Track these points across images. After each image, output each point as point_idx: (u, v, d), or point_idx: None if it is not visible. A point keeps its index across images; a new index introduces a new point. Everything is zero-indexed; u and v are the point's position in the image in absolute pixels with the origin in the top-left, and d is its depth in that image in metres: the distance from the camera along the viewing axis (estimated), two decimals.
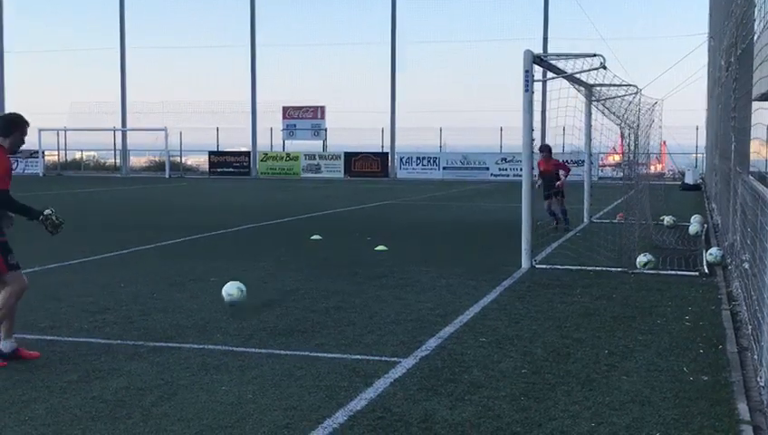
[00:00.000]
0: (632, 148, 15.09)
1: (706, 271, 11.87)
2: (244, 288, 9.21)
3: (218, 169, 48.10)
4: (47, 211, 7.21)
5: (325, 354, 7.23)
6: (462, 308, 9.22)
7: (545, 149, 17.56)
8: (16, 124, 7.19)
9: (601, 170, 37.23)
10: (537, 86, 12.54)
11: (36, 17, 62.69)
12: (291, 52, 53.64)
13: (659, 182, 29.67)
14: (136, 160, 54.81)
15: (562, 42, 44.99)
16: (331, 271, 11.84)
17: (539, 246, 13.23)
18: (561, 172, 17.49)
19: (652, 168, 30.70)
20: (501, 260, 12.77)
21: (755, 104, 8.35)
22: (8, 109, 52.48)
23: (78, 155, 54.53)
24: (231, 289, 9.19)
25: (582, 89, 16.71)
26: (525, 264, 12.18)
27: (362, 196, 29.88)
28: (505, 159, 43.76)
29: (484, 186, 37.65)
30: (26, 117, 7.38)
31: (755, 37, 8.42)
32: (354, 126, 48.08)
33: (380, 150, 47.41)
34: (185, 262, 12.75)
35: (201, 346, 7.50)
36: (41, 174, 46.79)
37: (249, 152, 49.12)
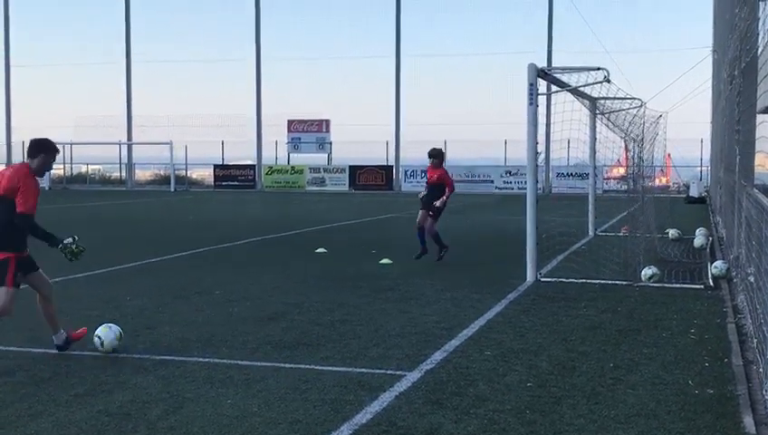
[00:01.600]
0: (636, 161, 15.09)
1: (711, 284, 11.86)
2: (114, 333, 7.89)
3: (223, 183, 48.17)
4: (68, 240, 7.63)
5: (330, 368, 7.23)
6: (467, 321, 9.22)
7: (436, 154, 14.25)
8: (44, 148, 7.55)
9: (606, 183, 37.23)
10: (541, 99, 12.60)
11: (42, 31, 62.89)
12: (296, 65, 53.74)
13: (664, 195, 29.65)
14: (141, 174, 54.91)
15: (567, 55, 45.05)
16: (336, 284, 11.85)
17: (544, 260, 13.22)
18: (446, 190, 14.22)
19: (657, 181, 30.71)
20: (506, 273, 12.77)
21: (760, 117, 8.38)
22: (15, 122, 52.83)
23: (83, 168, 54.67)
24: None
25: (587, 102, 16.72)
26: (530, 277, 12.17)
27: (367, 209, 29.90)
28: (510, 172, 43.78)
29: (489, 198, 37.66)
30: (50, 141, 7.67)
31: (759, 51, 8.45)
32: (359, 139, 48.16)
33: (385, 163, 47.45)
34: (190, 275, 12.77)
35: (206, 359, 7.51)
36: (47, 187, 46.88)
37: (254, 165, 49.21)
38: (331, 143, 48.35)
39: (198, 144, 50.65)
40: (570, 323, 9.18)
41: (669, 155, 39.32)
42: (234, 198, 38.16)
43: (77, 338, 7.90)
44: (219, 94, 60.69)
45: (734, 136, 13.37)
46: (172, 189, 47.15)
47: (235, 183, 48.01)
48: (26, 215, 7.32)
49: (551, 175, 43.07)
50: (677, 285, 11.79)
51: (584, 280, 12.03)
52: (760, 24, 8.62)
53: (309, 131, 48.66)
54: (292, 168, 47.91)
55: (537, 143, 12.55)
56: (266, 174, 47.92)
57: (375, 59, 52.00)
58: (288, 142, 49.03)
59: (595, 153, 18.76)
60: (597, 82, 13.09)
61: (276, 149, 50.03)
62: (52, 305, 7.84)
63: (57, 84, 63.88)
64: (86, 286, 11.58)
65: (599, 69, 12.68)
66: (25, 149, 7.66)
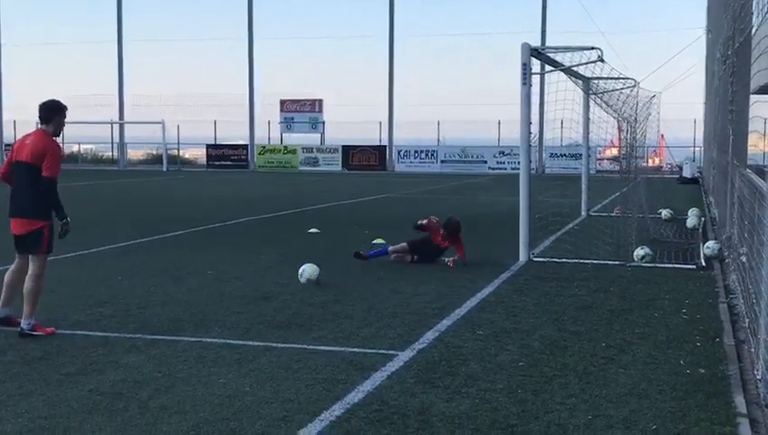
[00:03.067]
0: (630, 141, 15.08)
1: (704, 264, 11.88)
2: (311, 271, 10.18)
3: (216, 162, 48.01)
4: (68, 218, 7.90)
5: (322, 347, 7.23)
6: (460, 301, 9.22)
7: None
8: (56, 109, 7.86)
9: (599, 164, 37.23)
10: (535, 79, 12.55)
11: (33, 10, 62.57)
12: (289, 45, 53.71)
13: (657, 175, 29.68)
14: (133, 153, 54.69)
15: (561, 35, 45.11)
16: (329, 264, 11.83)
17: (537, 240, 13.23)
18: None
19: (650, 161, 30.72)
20: (499, 253, 12.77)
21: (753, 97, 8.35)
22: (5, 102, 52.53)
23: (75, 148, 54.42)
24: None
25: (580, 82, 16.69)
26: (523, 257, 12.18)
27: (360, 189, 29.86)
28: (503, 153, 43.73)
29: (483, 179, 37.65)
30: (58, 101, 7.97)
31: (753, 30, 8.41)
32: (352, 119, 48.15)
33: (378, 144, 47.36)
34: (182, 255, 12.74)
35: (198, 339, 7.50)
36: None
37: (247, 145, 49.04)
38: (323, 123, 48.21)
39: (191, 124, 50.50)
40: (562, 303, 9.19)
41: (663, 135, 39.32)
42: (226, 178, 38.07)
43: (39, 331, 7.65)
44: (212, 74, 60.64)
45: (727, 116, 13.36)
46: (164, 169, 47.00)
47: (228, 163, 47.86)
48: (52, 179, 7.61)
49: (544, 155, 43.05)
50: (670, 266, 11.81)
51: (577, 260, 12.04)
52: (754, 2, 8.58)
53: (302, 111, 48.50)
54: (285, 147, 47.77)
55: (530, 123, 12.51)
56: (259, 154, 47.78)
57: (368, 39, 52.01)
58: (281, 122, 48.87)
59: (588, 133, 18.73)
60: (590, 62, 13.05)
61: (269, 129, 49.91)
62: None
63: (48, 63, 63.72)
64: (78, 265, 11.54)
65: (592, 48, 12.64)
66: (36, 116, 7.91)
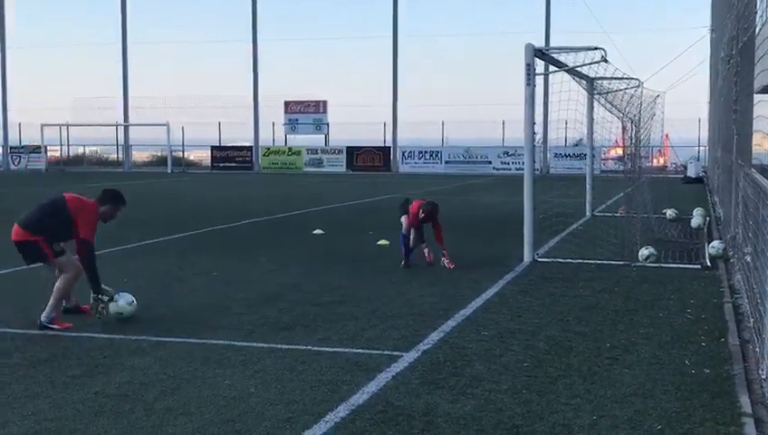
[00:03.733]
0: (634, 141, 15.07)
1: (708, 264, 11.87)
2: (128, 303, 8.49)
3: (220, 164, 48.04)
4: (107, 298, 8.30)
5: (327, 349, 7.24)
6: (464, 302, 9.23)
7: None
8: (117, 199, 8.50)
9: (603, 164, 37.19)
10: (539, 79, 12.54)
11: (38, 12, 62.73)
12: (293, 46, 53.70)
13: (662, 175, 29.64)
14: (138, 155, 54.74)
15: (564, 35, 45.03)
16: (334, 265, 11.85)
17: (541, 240, 13.23)
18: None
19: (654, 161, 30.68)
20: (503, 254, 12.78)
21: (757, 97, 8.35)
22: (11, 105, 52.59)
23: (80, 150, 54.51)
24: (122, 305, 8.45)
25: (584, 82, 16.69)
26: (527, 257, 12.18)
27: (365, 190, 29.87)
28: (507, 153, 43.70)
29: (487, 179, 37.63)
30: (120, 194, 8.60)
31: (757, 30, 8.41)
32: (356, 120, 48.07)
33: (383, 145, 47.37)
34: (187, 257, 12.76)
35: (204, 341, 7.51)
36: (43, 170, 46.83)
37: (251, 147, 49.06)
38: (328, 124, 48.21)
39: (195, 126, 50.54)
40: (567, 304, 9.19)
41: (667, 135, 39.27)
42: (231, 180, 38.11)
43: (56, 324, 8.02)
44: (216, 76, 60.70)
45: (731, 116, 13.34)
46: (169, 171, 47.05)
47: (233, 164, 47.89)
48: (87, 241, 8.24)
49: (548, 155, 43.03)
50: (674, 265, 11.80)
51: (581, 260, 12.04)
52: (758, 2, 8.58)
53: (306, 112, 48.51)
54: (290, 149, 47.80)
55: (534, 124, 12.51)
56: (263, 155, 47.81)
57: (372, 40, 51.98)
58: (285, 124, 48.88)
59: (593, 133, 18.72)
60: (594, 62, 13.04)
61: (273, 131, 49.92)
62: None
63: (54, 66, 63.83)
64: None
65: (596, 49, 12.63)
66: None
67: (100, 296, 8.25)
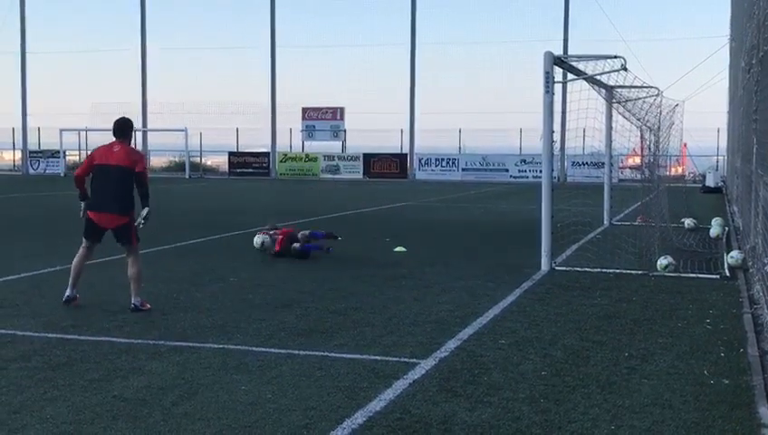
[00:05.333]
0: (652, 150, 15.01)
1: (727, 274, 11.80)
2: None
3: (238, 170, 48.25)
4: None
5: (344, 355, 7.24)
6: (481, 310, 9.21)
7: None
8: (132, 127, 9.68)
9: (621, 172, 37.08)
10: (557, 88, 12.50)
11: (57, 18, 63.11)
12: (310, 53, 53.62)
13: (680, 184, 29.51)
14: (156, 161, 55.05)
15: (583, 43, 44.86)
16: (350, 272, 11.86)
17: (559, 249, 13.19)
18: None
19: (673, 170, 30.55)
20: (520, 262, 12.74)
21: None
22: (30, 109, 52.98)
23: None
24: None
25: (603, 90, 16.64)
26: (545, 266, 12.14)
27: (381, 197, 29.89)
28: (525, 161, 43.69)
29: (504, 187, 37.58)
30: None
31: None
32: (373, 127, 48.15)
33: (399, 151, 47.41)
34: (205, 262, 12.80)
35: (221, 346, 7.53)
36: (62, 174, 47.08)
37: (268, 153, 49.26)
38: (345, 131, 48.34)
39: (213, 131, 50.80)
40: (584, 313, 9.16)
41: (685, 144, 39.11)
42: (248, 186, 38.22)
43: (145, 306, 9.12)
44: (234, 82, 60.78)
45: (751, 125, 13.26)
46: (187, 176, 47.26)
47: (250, 170, 48.08)
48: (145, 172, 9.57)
49: (566, 164, 42.94)
50: (693, 275, 11.74)
51: (599, 269, 11.99)
52: None
53: (323, 119, 48.66)
54: (307, 155, 47.95)
55: (553, 132, 12.48)
56: (281, 162, 47.97)
57: (390, 47, 51.87)
58: (302, 130, 49.06)
59: (611, 142, 18.65)
60: (613, 71, 13.00)
61: (291, 137, 50.10)
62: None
63: (72, 71, 64.10)
64: (102, 272, 11.61)
65: (615, 57, 12.58)
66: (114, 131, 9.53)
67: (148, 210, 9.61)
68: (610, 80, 14.85)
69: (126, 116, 9.71)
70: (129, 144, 9.55)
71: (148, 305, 9.12)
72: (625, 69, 12.77)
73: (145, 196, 9.53)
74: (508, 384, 6.40)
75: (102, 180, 9.24)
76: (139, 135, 51.85)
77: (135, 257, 9.36)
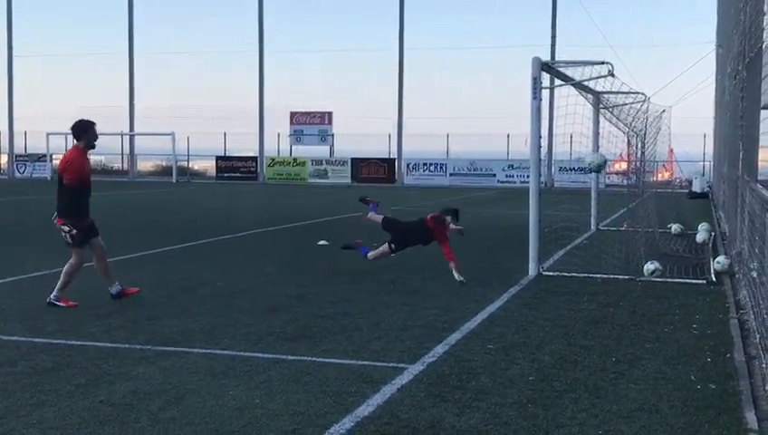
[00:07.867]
0: (639, 155, 15.06)
1: (714, 279, 11.85)
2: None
3: (225, 174, 48.13)
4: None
5: (332, 360, 7.23)
6: (469, 315, 9.21)
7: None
8: (84, 127, 9.54)
9: (608, 178, 37.18)
10: (545, 93, 12.54)
11: (44, 21, 62.94)
12: (298, 57, 53.77)
13: (667, 190, 29.61)
14: (143, 165, 54.87)
15: (571, 49, 45.01)
16: (338, 277, 11.85)
17: (546, 254, 13.21)
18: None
19: (659, 175, 30.63)
20: (508, 267, 12.76)
21: (764, 112, 8.37)
22: (17, 112, 52.74)
23: None
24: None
25: (590, 96, 16.69)
26: (532, 271, 12.17)
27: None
28: (512, 166, 43.73)
29: (491, 192, 37.64)
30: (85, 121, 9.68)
31: (764, 45, 8.43)
32: (361, 132, 48.18)
33: (387, 156, 47.41)
34: (192, 266, 12.77)
35: (208, 351, 7.51)
36: (49, 178, 46.87)
37: (256, 157, 49.16)
38: (333, 135, 48.30)
39: (201, 135, 50.68)
40: (572, 318, 9.18)
41: (672, 150, 39.23)
42: (236, 190, 38.15)
43: (130, 293, 9.92)
44: (222, 86, 60.79)
45: (737, 131, 13.33)
46: (174, 180, 47.12)
47: (237, 175, 47.97)
48: (69, 185, 9.48)
49: (553, 169, 43.03)
50: (680, 280, 11.78)
51: (586, 274, 12.03)
52: (765, 18, 8.59)
53: (311, 123, 48.62)
54: (295, 160, 47.88)
55: (540, 137, 12.51)
56: (268, 166, 47.88)
57: (378, 52, 52.07)
58: (290, 134, 49.00)
59: (598, 148, 18.69)
60: (601, 77, 13.04)
61: (278, 141, 50.01)
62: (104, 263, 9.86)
63: (59, 74, 63.99)
64: (87, 276, 11.55)
65: (603, 63, 12.62)
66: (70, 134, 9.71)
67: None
68: (598, 85, 14.88)
69: (82, 118, 9.77)
70: (83, 147, 9.64)
71: (134, 290, 10.08)
72: (612, 75, 12.80)
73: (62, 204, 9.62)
74: (496, 389, 6.40)
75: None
76: (126, 139, 51.74)
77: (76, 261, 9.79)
